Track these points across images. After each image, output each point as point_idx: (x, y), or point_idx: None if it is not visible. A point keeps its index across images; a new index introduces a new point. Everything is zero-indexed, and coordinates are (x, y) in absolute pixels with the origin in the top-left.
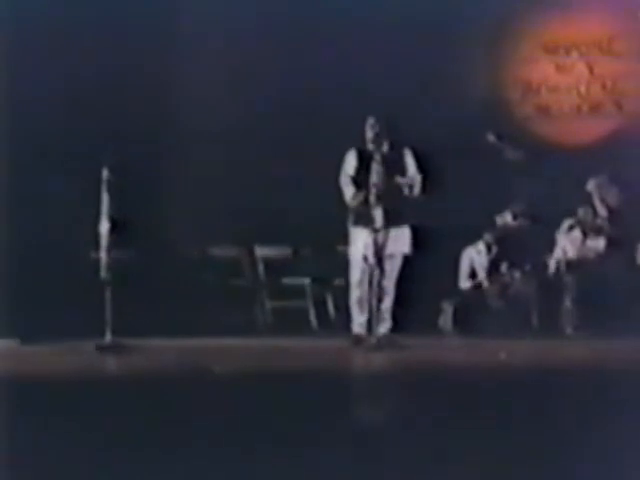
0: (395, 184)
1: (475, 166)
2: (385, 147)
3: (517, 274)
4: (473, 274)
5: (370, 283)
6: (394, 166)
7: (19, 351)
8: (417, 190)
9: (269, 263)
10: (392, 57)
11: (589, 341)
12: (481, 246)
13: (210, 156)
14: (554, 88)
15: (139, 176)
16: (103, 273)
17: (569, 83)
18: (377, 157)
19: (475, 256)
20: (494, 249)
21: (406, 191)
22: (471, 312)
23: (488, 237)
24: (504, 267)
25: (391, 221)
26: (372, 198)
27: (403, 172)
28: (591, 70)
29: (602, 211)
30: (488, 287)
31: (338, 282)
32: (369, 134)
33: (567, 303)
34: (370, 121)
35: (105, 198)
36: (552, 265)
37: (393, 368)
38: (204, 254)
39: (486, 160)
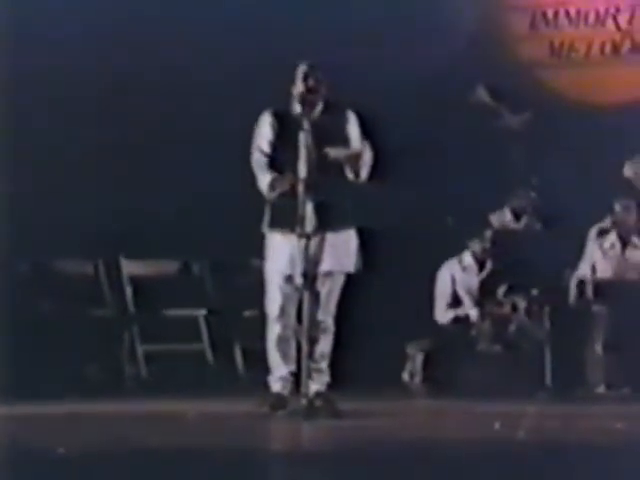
0: (333, 164)
1: (458, 137)
2: (317, 109)
3: (521, 302)
4: (455, 301)
5: (298, 316)
6: (331, 138)
7: None
8: (366, 172)
9: (142, 285)
10: None
11: (629, 404)
12: (468, 259)
13: (53, 126)
14: (579, 16)
15: None
16: None
17: (601, 9)
18: (306, 124)
19: (460, 274)
20: (488, 265)
21: (350, 175)
22: (451, 361)
23: (477, 246)
24: (501, 292)
25: (329, 221)
26: (300, 186)
27: (345, 146)
28: None
29: None
30: (477, 322)
31: (249, 314)
32: (299, 88)
33: (596, 347)
34: (302, 68)
35: None
36: (574, 289)
37: (331, 446)
38: (40, 270)
39: (474, 128)
